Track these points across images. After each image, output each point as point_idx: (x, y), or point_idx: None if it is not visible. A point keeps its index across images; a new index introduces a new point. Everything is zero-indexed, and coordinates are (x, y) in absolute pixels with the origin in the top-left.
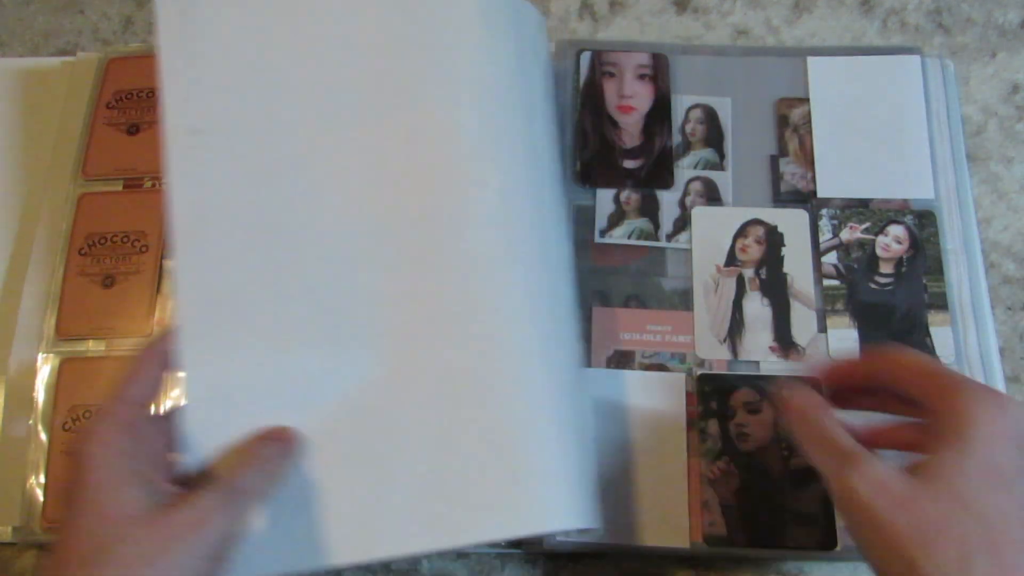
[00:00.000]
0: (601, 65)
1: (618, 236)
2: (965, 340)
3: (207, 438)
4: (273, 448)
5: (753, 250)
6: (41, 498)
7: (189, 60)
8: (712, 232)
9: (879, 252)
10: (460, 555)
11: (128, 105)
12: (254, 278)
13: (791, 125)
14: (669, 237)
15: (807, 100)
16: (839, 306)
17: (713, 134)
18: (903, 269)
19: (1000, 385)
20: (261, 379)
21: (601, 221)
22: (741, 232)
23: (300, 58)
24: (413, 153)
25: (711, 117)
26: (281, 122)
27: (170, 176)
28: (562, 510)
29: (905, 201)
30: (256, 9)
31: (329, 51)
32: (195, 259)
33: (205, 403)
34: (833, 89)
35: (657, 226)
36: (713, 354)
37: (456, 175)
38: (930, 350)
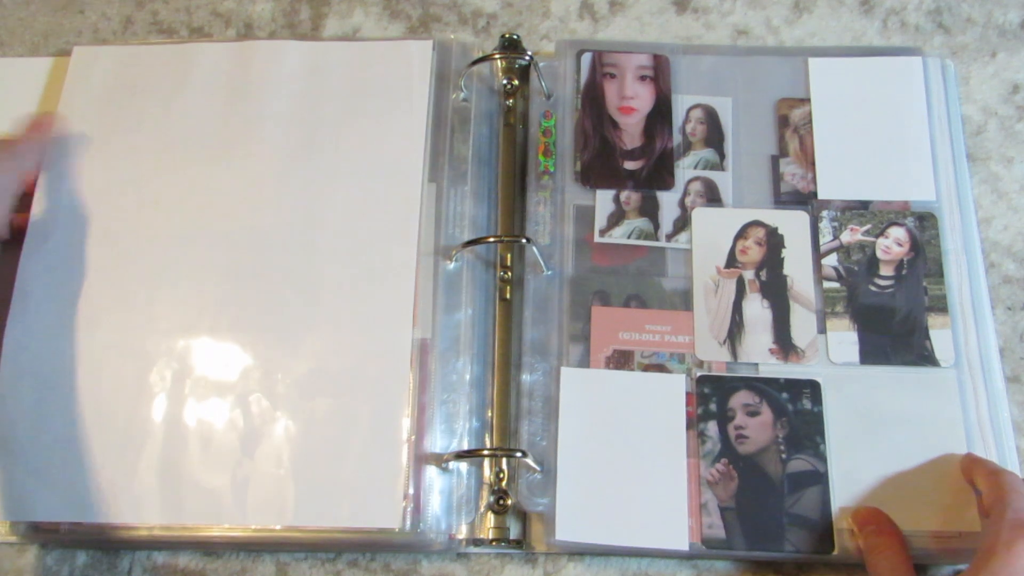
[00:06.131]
0: (602, 66)
1: (618, 236)
2: (965, 342)
3: None
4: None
5: (753, 252)
6: None
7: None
8: (712, 233)
9: (880, 254)
10: (460, 555)
11: None
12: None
13: (792, 125)
14: (669, 237)
15: (808, 100)
16: (839, 308)
17: (713, 134)
18: (904, 271)
19: (1000, 385)
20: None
21: (601, 221)
22: (741, 233)
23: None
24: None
25: (712, 117)
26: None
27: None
28: None
29: (906, 203)
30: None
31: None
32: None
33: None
34: (834, 90)
35: (657, 226)
36: (713, 355)
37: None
38: (930, 353)
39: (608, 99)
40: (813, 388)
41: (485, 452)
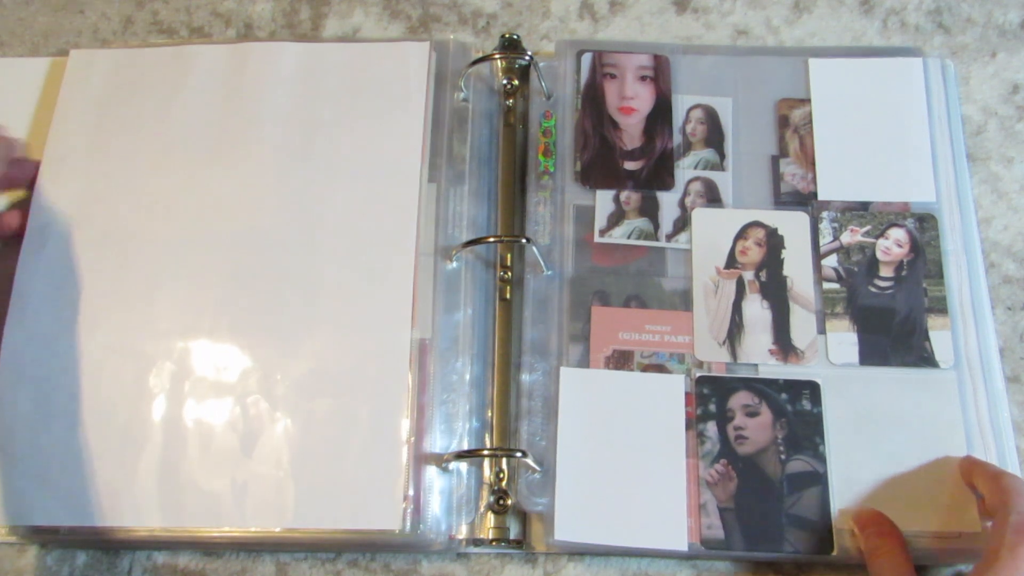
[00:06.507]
0: (602, 66)
1: (618, 236)
2: (965, 342)
3: None
4: None
5: (753, 252)
6: None
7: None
8: (712, 234)
9: (879, 256)
10: (460, 555)
11: None
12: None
13: (792, 126)
14: (669, 237)
15: (808, 101)
16: (839, 309)
17: (714, 134)
18: (903, 273)
19: (1000, 386)
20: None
21: (601, 221)
22: (741, 234)
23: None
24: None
25: (712, 117)
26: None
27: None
28: None
29: (906, 204)
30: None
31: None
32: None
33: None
34: (834, 90)
35: (657, 226)
36: (712, 356)
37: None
38: (929, 354)
39: (608, 99)
40: (813, 389)
41: (485, 452)
